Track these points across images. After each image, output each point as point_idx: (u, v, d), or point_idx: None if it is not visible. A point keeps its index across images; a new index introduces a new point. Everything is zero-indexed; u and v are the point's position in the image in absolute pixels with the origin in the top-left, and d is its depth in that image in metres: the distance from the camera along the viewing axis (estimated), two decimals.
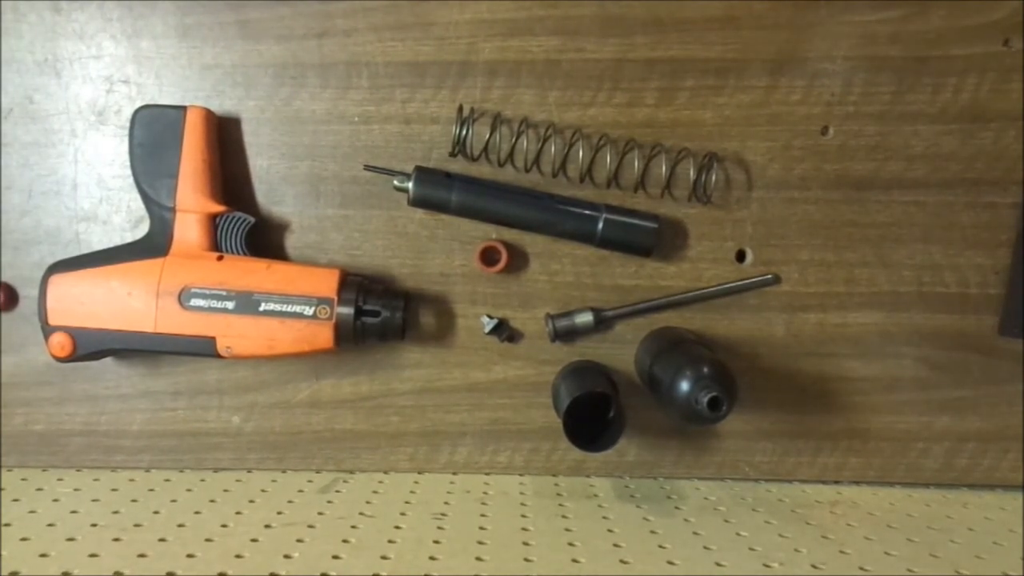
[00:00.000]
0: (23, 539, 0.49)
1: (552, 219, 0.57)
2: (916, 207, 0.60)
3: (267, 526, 0.53)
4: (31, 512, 0.54)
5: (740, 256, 0.61)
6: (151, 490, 0.59)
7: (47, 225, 0.61)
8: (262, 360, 0.62)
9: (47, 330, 0.55)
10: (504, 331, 0.61)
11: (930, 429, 0.63)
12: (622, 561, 0.49)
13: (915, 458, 0.63)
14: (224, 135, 0.59)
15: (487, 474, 0.64)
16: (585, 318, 0.60)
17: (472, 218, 0.59)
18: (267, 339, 0.55)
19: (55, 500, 0.56)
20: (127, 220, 0.61)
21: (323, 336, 0.55)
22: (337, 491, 0.60)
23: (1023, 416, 0.62)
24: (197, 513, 0.55)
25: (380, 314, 0.56)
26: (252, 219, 0.57)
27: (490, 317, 0.61)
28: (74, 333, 0.55)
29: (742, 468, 0.64)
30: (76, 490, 0.59)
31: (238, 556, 0.48)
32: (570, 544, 0.51)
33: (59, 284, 0.55)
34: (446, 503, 0.58)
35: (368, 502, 0.58)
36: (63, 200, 0.61)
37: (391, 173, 0.58)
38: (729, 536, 0.53)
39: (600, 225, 0.57)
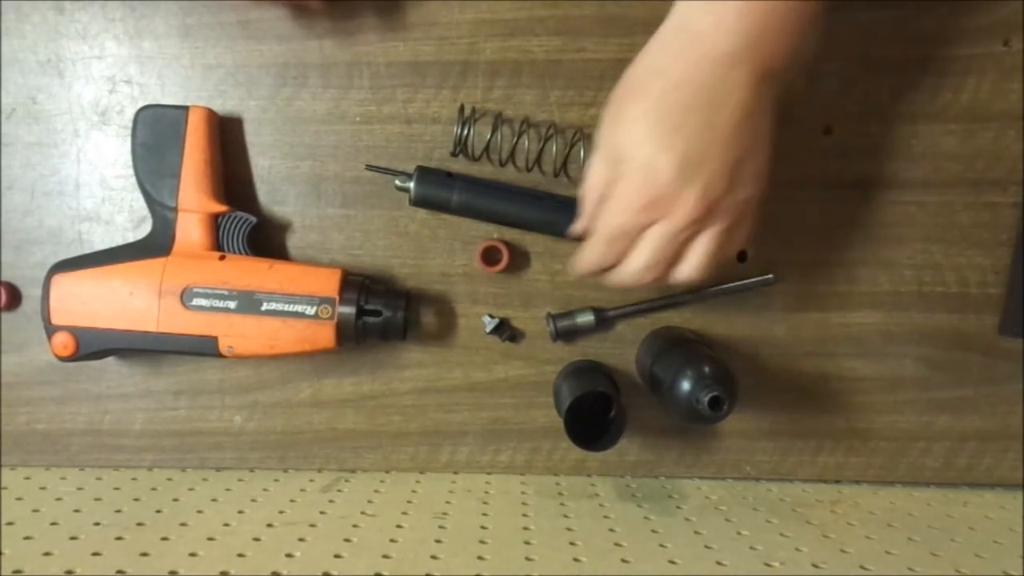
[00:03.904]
0: (26, 538, 0.49)
1: (553, 219, 0.57)
2: (916, 207, 0.60)
3: (269, 525, 0.53)
4: (34, 511, 0.54)
5: (741, 256, 0.61)
6: (153, 489, 0.59)
7: (50, 225, 0.61)
8: (264, 360, 0.62)
9: (50, 329, 0.55)
10: (505, 331, 0.61)
11: (930, 429, 0.63)
12: (623, 560, 0.49)
13: (915, 457, 0.63)
14: (226, 135, 0.59)
15: (488, 473, 0.64)
16: (586, 318, 0.60)
17: (473, 218, 0.59)
18: (269, 339, 0.55)
19: (58, 499, 0.57)
20: (129, 220, 0.61)
21: (325, 336, 0.55)
22: (339, 490, 0.60)
23: (1023, 416, 0.62)
24: (199, 512, 0.55)
25: (381, 314, 0.56)
26: (254, 219, 0.58)
27: (491, 317, 0.61)
28: (77, 333, 0.55)
29: (743, 467, 0.64)
30: (79, 489, 0.59)
31: (240, 555, 0.48)
32: (571, 543, 0.51)
33: (61, 284, 0.55)
34: (447, 502, 0.58)
35: (370, 501, 0.58)
36: (66, 200, 0.61)
37: (393, 173, 0.58)
38: (730, 535, 0.53)
39: None
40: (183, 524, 0.52)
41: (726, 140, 0.44)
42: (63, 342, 0.55)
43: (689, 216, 0.45)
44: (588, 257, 0.50)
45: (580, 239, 0.56)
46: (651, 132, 0.44)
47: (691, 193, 0.44)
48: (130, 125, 0.57)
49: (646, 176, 0.45)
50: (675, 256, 0.47)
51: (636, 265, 0.48)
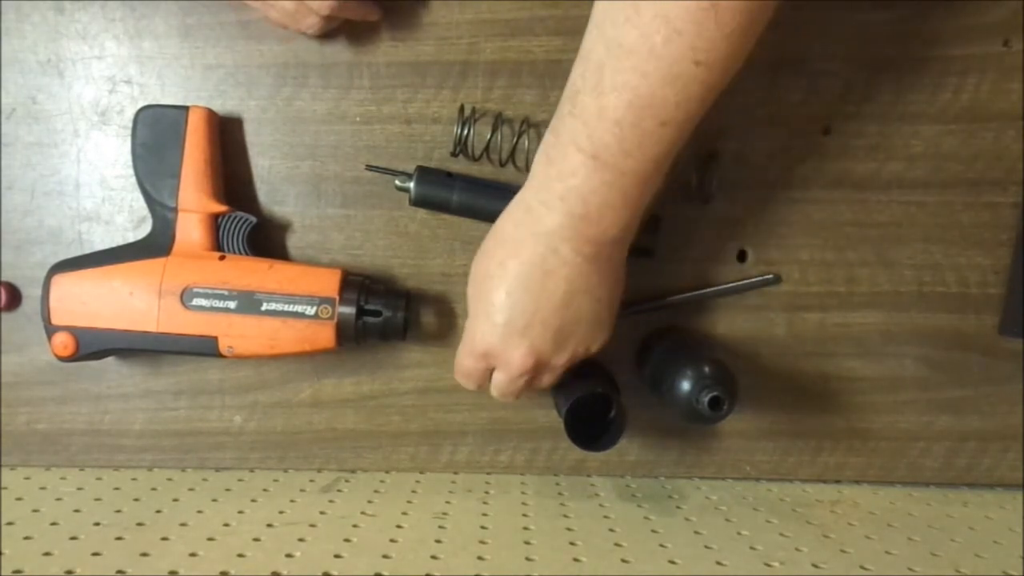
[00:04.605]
0: (26, 538, 0.49)
1: None
2: (916, 207, 0.60)
3: (269, 525, 0.53)
4: (34, 511, 0.54)
5: (741, 256, 0.61)
6: (153, 489, 0.59)
7: (50, 225, 0.61)
8: (264, 360, 0.62)
9: (50, 330, 0.55)
10: None
11: (930, 429, 0.63)
12: (623, 560, 0.49)
13: (915, 457, 0.63)
14: (226, 135, 0.59)
15: (488, 473, 0.64)
16: None
17: (473, 218, 0.59)
18: (269, 339, 0.55)
19: (58, 499, 0.57)
20: (129, 220, 0.61)
21: (325, 336, 0.55)
22: (339, 490, 0.60)
23: (1023, 416, 0.62)
24: (199, 512, 0.55)
25: (382, 314, 0.56)
26: (254, 219, 0.57)
27: None
28: (77, 333, 0.55)
29: (743, 468, 0.64)
30: (79, 489, 0.59)
31: (240, 555, 0.48)
32: (571, 543, 0.51)
33: (62, 284, 0.55)
34: (447, 502, 0.58)
35: (370, 501, 0.58)
36: (66, 200, 0.61)
37: (393, 173, 0.58)
38: (730, 535, 0.53)
39: None
40: (183, 524, 0.52)
41: (555, 308, 0.48)
42: (63, 342, 0.55)
43: (519, 370, 0.50)
44: (457, 379, 0.55)
45: None
46: (490, 294, 0.49)
47: (517, 353, 0.49)
48: (130, 125, 0.57)
49: (481, 332, 0.50)
50: (525, 386, 0.52)
51: (493, 393, 0.53)
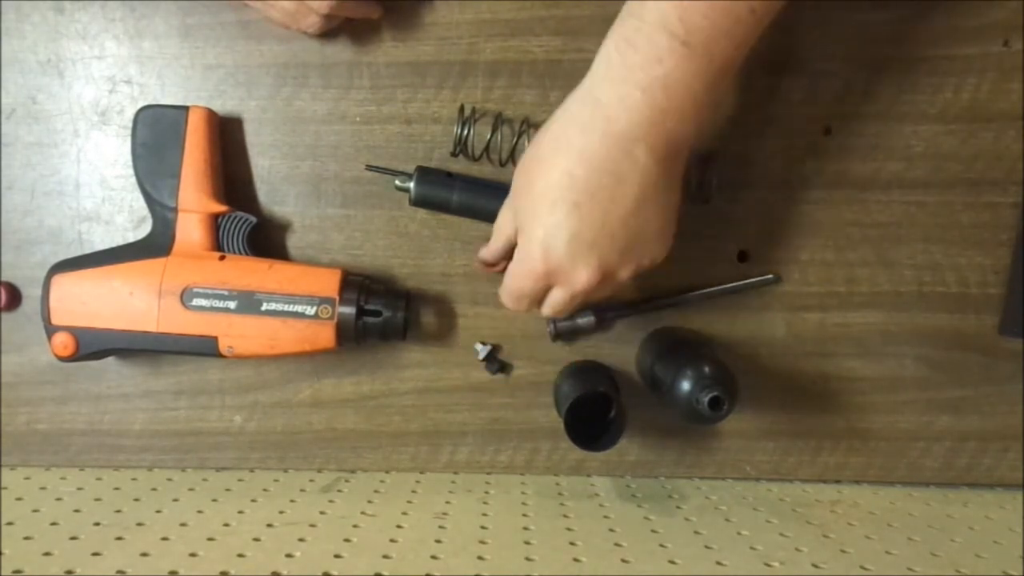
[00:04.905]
0: (26, 538, 0.49)
1: None
2: (916, 207, 0.60)
3: (269, 525, 0.53)
4: (34, 511, 0.54)
5: (741, 256, 0.61)
6: (153, 489, 0.59)
7: (50, 225, 0.61)
8: (264, 360, 0.62)
9: (50, 330, 0.55)
10: (495, 363, 0.61)
11: (930, 429, 0.63)
12: (623, 560, 0.49)
13: (915, 457, 0.63)
14: (226, 135, 0.59)
15: (488, 473, 0.64)
16: (586, 318, 0.60)
17: (473, 218, 0.59)
18: (269, 339, 0.55)
19: (58, 499, 0.57)
20: (129, 220, 0.61)
21: (325, 336, 0.55)
22: (339, 490, 0.60)
23: (1023, 416, 0.62)
24: (199, 512, 0.55)
25: (382, 314, 0.56)
26: (254, 219, 0.58)
27: (483, 344, 0.61)
28: (77, 333, 0.55)
29: (743, 468, 0.64)
30: (79, 489, 0.59)
31: (240, 555, 0.48)
32: (571, 543, 0.51)
33: (62, 284, 0.55)
34: (447, 502, 0.58)
35: (370, 501, 0.58)
36: (66, 200, 0.61)
37: (393, 173, 0.58)
38: (730, 535, 0.53)
39: None
40: (183, 524, 0.52)
41: (626, 217, 0.45)
42: (63, 342, 0.55)
43: (584, 286, 0.47)
44: (505, 303, 0.53)
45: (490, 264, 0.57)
46: (552, 208, 0.45)
47: (585, 268, 0.46)
48: (130, 125, 0.57)
49: (543, 250, 0.46)
50: (582, 302, 0.50)
51: (545, 312, 0.51)
